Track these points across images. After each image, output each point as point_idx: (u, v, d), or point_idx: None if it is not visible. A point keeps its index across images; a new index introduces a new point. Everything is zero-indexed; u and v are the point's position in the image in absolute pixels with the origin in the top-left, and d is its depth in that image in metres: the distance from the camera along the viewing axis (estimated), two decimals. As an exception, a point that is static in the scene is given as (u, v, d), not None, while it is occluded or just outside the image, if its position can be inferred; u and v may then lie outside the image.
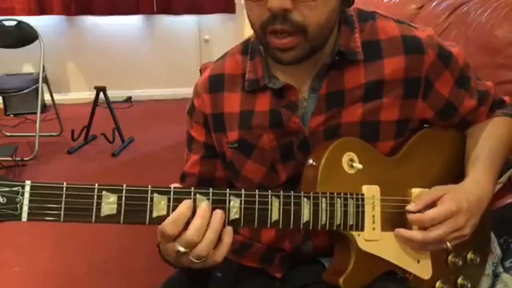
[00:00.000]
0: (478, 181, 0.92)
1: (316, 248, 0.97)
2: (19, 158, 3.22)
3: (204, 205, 0.75)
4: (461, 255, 0.97)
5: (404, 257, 0.90)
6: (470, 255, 0.99)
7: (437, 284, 0.94)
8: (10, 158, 3.16)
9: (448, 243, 0.87)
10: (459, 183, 0.93)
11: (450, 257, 0.96)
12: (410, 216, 0.87)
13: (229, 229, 0.77)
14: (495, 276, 1.09)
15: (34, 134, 3.46)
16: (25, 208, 0.67)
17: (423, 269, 0.92)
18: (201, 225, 0.73)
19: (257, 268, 1.02)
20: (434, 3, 1.86)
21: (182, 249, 0.74)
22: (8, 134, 3.85)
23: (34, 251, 2.26)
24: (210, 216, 0.75)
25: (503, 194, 1.13)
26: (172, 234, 0.73)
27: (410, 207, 0.88)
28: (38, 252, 2.26)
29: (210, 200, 0.75)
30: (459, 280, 0.98)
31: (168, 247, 0.77)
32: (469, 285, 0.98)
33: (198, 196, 0.75)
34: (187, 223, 0.74)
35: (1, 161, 3.15)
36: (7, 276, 2.10)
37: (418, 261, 0.91)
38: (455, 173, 0.98)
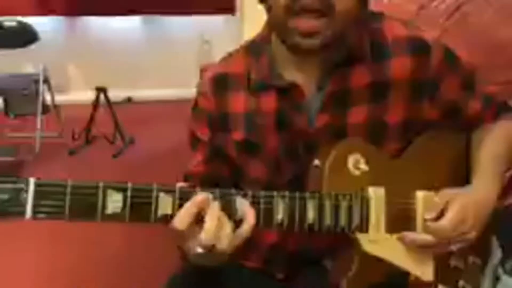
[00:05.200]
0: (484, 185, 0.93)
1: (319, 250, 0.97)
2: (19, 159, 3.22)
3: (214, 206, 0.74)
4: (462, 258, 0.98)
5: (407, 259, 0.90)
6: (471, 258, 0.99)
7: (439, 287, 0.95)
8: (10, 159, 3.16)
9: (452, 246, 0.88)
10: (465, 186, 0.94)
11: (452, 260, 0.96)
12: (430, 226, 0.87)
13: (245, 202, 0.76)
14: (496, 278, 1.09)
15: (34, 134, 3.46)
16: (29, 205, 0.67)
17: (425, 271, 0.92)
18: (214, 227, 0.73)
19: (260, 268, 1.02)
20: (435, 3, 1.86)
21: (200, 250, 0.74)
22: (8, 134, 3.85)
23: (34, 252, 2.27)
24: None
25: (504, 195, 1.13)
26: (181, 230, 0.73)
27: (427, 216, 0.88)
28: (38, 253, 2.26)
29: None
30: (460, 283, 0.98)
31: (187, 247, 0.76)
32: (469, 288, 0.98)
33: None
34: (198, 221, 0.73)
35: (2, 162, 3.15)
36: (7, 276, 2.10)
37: (421, 264, 0.91)
38: (459, 175, 0.99)
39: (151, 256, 2.15)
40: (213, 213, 0.73)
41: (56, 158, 3.43)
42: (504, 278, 1.09)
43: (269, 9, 0.85)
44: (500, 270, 1.09)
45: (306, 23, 0.80)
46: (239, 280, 1.02)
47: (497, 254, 1.08)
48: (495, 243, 1.07)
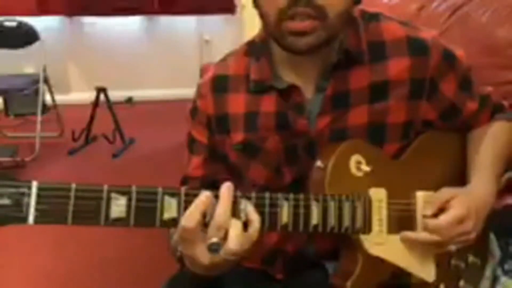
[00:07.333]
0: (483, 186, 0.94)
1: (319, 252, 0.97)
2: (19, 159, 3.22)
3: (225, 186, 0.74)
4: (462, 258, 0.98)
5: (409, 260, 0.90)
6: (471, 258, 1.00)
7: (440, 287, 0.95)
8: (10, 159, 3.16)
9: (453, 246, 0.88)
10: (464, 186, 0.94)
11: (452, 260, 0.96)
12: (429, 223, 0.87)
13: (249, 205, 0.75)
14: (495, 279, 1.09)
15: (34, 134, 3.46)
16: (32, 211, 0.64)
17: (427, 272, 0.92)
18: (227, 207, 0.72)
19: (259, 268, 1.02)
20: (435, 4, 1.86)
21: (214, 239, 0.71)
22: (8, 134, 3.85)
23: (34, 253, 2.26)
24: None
25: (503, 195, 1.13)
26: (190, 229, 0.71)
27: (426, 212, 0.88)
28: (38, 254, 2.26)
29: None
30: (461, 283, 0.98)
31: (196, 249, 0.73)
32: (469, 288, 0.99)
33: None
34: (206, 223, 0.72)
35: (2, 162, 3.16)
36: (7, 277, 2.10)
37: (423, 264, 0.91)
38: (458, 175, 0.99)
39: (151, 257, 2.15)
40: (223, 205, 0.72)
41: (56, 158, 3.43)
42: (504, 279, 1.09)
43: (261, 14, 0.86)
44: (499, 271, 1.09)
45: (299, 24, 0.80)
46: (238, 280, 1.02)
47: (496, 254, 1.08)
48: (494, 243, 1.07)
